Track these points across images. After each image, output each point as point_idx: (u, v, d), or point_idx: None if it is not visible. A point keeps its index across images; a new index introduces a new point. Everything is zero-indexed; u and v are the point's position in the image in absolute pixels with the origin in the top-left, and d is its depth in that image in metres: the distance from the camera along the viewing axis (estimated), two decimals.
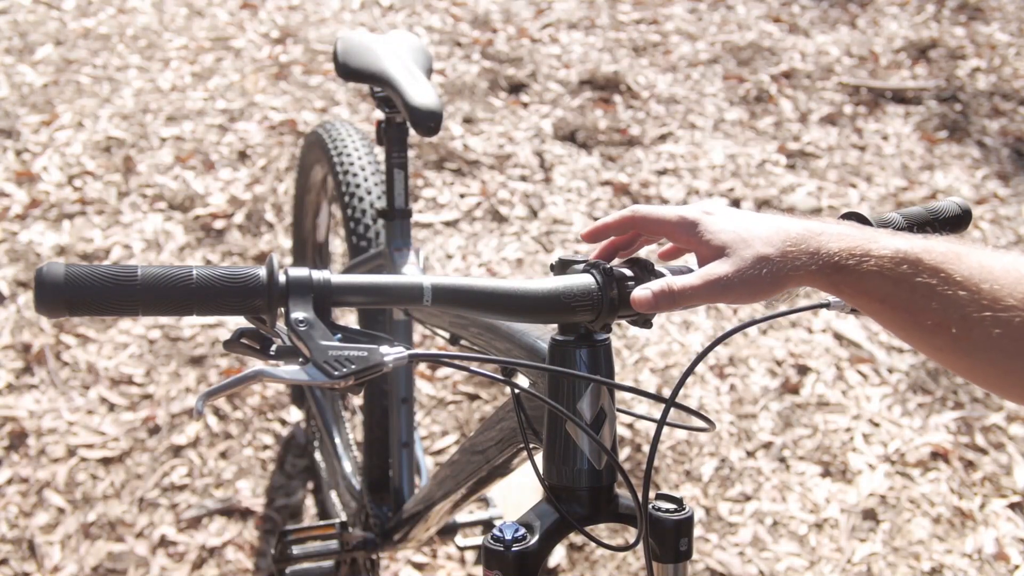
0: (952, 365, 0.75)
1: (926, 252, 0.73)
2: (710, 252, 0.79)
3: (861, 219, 0.94)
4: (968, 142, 3.55)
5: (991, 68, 4.07)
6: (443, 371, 2.38)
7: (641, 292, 0.79)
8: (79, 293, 0.67)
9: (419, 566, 1.96)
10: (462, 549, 1.97)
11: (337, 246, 2.63)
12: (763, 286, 0.77)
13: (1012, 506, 2.13)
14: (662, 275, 0.84)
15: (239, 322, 0.74)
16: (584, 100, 3.58)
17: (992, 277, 0.71)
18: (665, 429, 0.81)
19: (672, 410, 0.81)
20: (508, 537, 0.83)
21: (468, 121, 3.38)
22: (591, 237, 0.87)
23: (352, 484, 1.82)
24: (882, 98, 3.78)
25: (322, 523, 1.48)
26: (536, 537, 0.85)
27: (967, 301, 0.71)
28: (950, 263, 0.72)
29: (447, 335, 1.21)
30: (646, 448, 2.18)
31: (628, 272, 0.83)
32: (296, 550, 1.41)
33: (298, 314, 0.71)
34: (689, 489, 2.14)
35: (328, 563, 1.43)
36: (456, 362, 0.81)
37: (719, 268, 0.78)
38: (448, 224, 2.89)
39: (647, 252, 0.92)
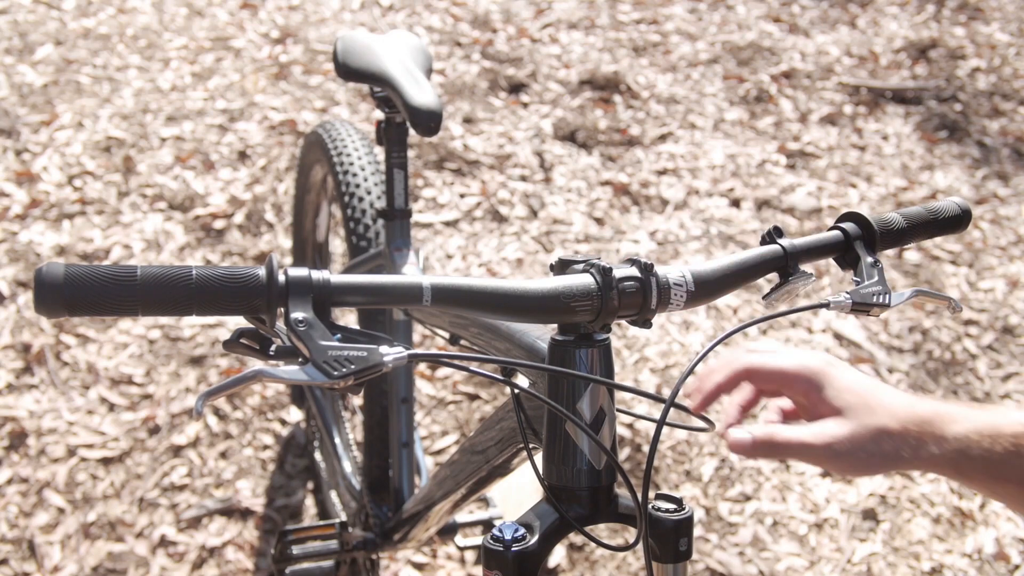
0: None
1: None
2: (827, 410, 0.73)
3: (861, 219, 0.94)
4: (968, 142, 3.55)
5: (991, 68, 4.07)
6: (443, 371, 2.38)
7: (739, 435, 0.74)
8: (79, 293, 0.67)
9: (419, 566, 1.96)
10: (462, 549, 1.97)
11: (337, 246, 2.63)
12: (876, 463, 0.71)
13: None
14: (665, 279, 0.84)
15: (239, 322, 0.74)
16: (584, 100, 3.57)
17: None
18: (665, 429, 0.81)
19: (672, 410, 0.81)
20: (508, 537, 0.83)
21: (468, 121, 3.38)
22: (705, 403, 0.82)
23: (352, 484, 1.82)
24: (882, 98, 3.78)
25: (322, 523, 1.48)
26: (536, 537, 0.84)
27: None
28: None
29: (447, 335, 1.21)
30: (646, 448, 2.18)
31: (629, 272, 0.83)
32: (296, 550, 1.41)
33: (298, 314, 0.71)
34: (689, 489, 2.14)
35: (328, 563, 1.43)
36: (456, 362, 0.81)
37: (834, 429, 0.71)
38: (448, 224, 2.89)
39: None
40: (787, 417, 0.82)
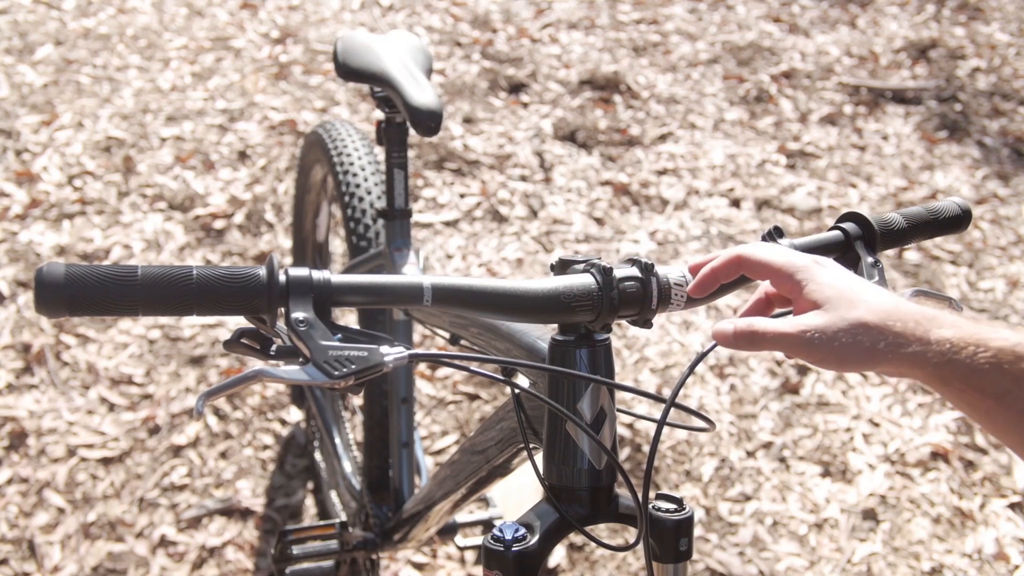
0: None
1: None
2: (808, 304, 0.74)
3: (861, 219, 0.94)
4: (968, 142, 3.55)
5: (991, 68, 4.07)
6: (443, 371, 2.38)
7: (723, 325, 0.75)
8: (79, 293, 0.67)
9: (419, 566, 1.96)
10: (462, 549, 1.97)
11: (337, 246, 2.63)
12: (853, 355, 0.70)
13: (1012, 506, 2.13)
14: (665, 279, 0.84)
15: (239, 322, 0.74)
16: (584, 100, 3.57)
17: None
18: (665, 429, 0.81)
19: (672, 410, 0.81)
20: (508, 537, 0.83)
21: (468, 121, 3.38)
22: (700, 289, 0.82)
23: (352, 484, 1.82)
24: (882, 98, 3.78)
25: (322, 523, 1.48)
26: (536, 537, 0.84)
27: None
28: None
29: (447, 335, 1.21)
30: (646, 448, 2.18)
31: (629, 272, 0.83)
32: (296, 550, 1.41)
33: (298, 314, 0.71)
34: (689, 489, 2.14)
35: (328, 563, 1.43)
36: (456, 362, 0.81)
37: (812, 320, 0.72)
38: (448, 224, 2.89)
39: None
40: (773, 303, 0.84)
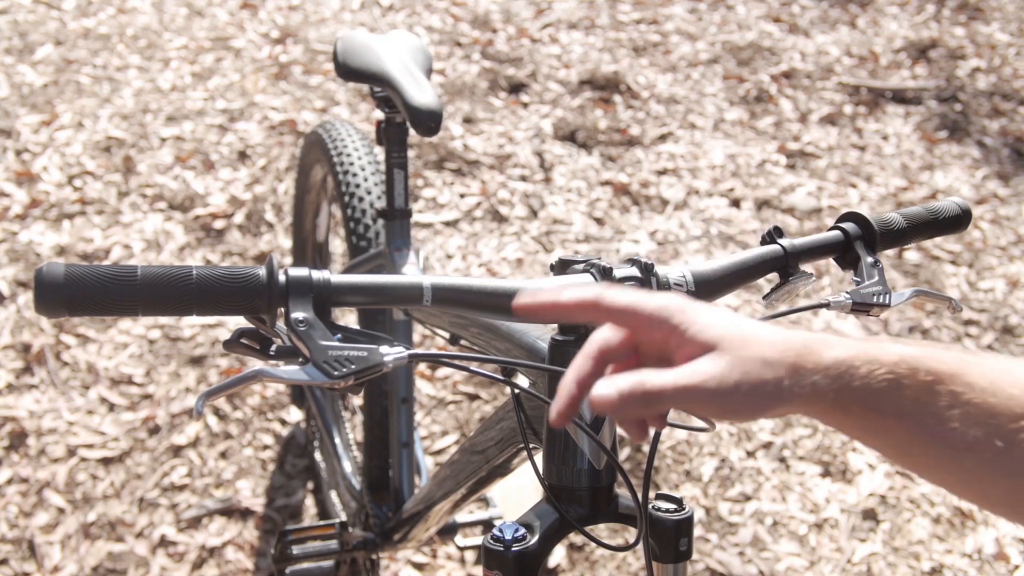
0: (984, 492, 0.62)
1: (938, 360, 0.62)
2: (694, 348, 0.63)
3: (861, 219, 0.94)
4: (968, 142, 3.55)
5: (991, 68, 4.07)
6: (443, 371, 2.38)
7: (603, 389, 0.61)
8: (79, 293, 0.67)
9: (419, 566, 1.96)
10: (462, 549, 1.97)
11: (337, 246, 2.63)
12: (765, 398, 0.61)
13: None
14: (665, 279, 0.84)
15: (239, 322, 0.74)
16: (584, 100, 3.57)
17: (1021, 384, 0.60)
18: (665, 429, 0.81)
19: (672, 410, 0.81)
20: (508, 537, 0.83)
21: (468, 121, 3.38)
22: (527, 312, 0.69)
23: (352, 484, 1.82)
24: (882, 98, 3.78)
25: (322, 523, 1.48)
26: (536, 537, 0.84)
27: (1001, 411, 0.60)
28: (967, 369, 0.62)
29: (447, 335, 1.21)
30: (646, 448, 2.18)
31: (629, 272, 0.83)
32: (296, 550, 1.41)
33: (298, 314, 0.71)
34: (689, 489, 2.14)
35: (328, 563, 1.43)
36: (456, 362, 0.81)
37: (710, 365, 0.62)
38: (448, 224, 2.89)
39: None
40: (605, 361, 0.69)
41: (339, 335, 0.72)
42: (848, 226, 0.93)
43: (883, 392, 0.61)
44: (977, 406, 0.60)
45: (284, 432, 2.24)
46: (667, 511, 0.88)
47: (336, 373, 0.70)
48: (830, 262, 0.96)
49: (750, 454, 2.23)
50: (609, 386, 0.61)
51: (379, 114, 1.53)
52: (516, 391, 0.90)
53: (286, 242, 2.75)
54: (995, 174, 3.38)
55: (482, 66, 3.73)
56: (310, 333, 0.70)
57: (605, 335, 0.68)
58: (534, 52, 3.87)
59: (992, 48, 4.23)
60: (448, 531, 1.68)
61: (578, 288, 0.68)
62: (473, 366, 0.81)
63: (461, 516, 1.70)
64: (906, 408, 0.61)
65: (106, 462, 2.12)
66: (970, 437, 0.60)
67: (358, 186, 1.74)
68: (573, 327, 0.84)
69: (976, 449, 0.60)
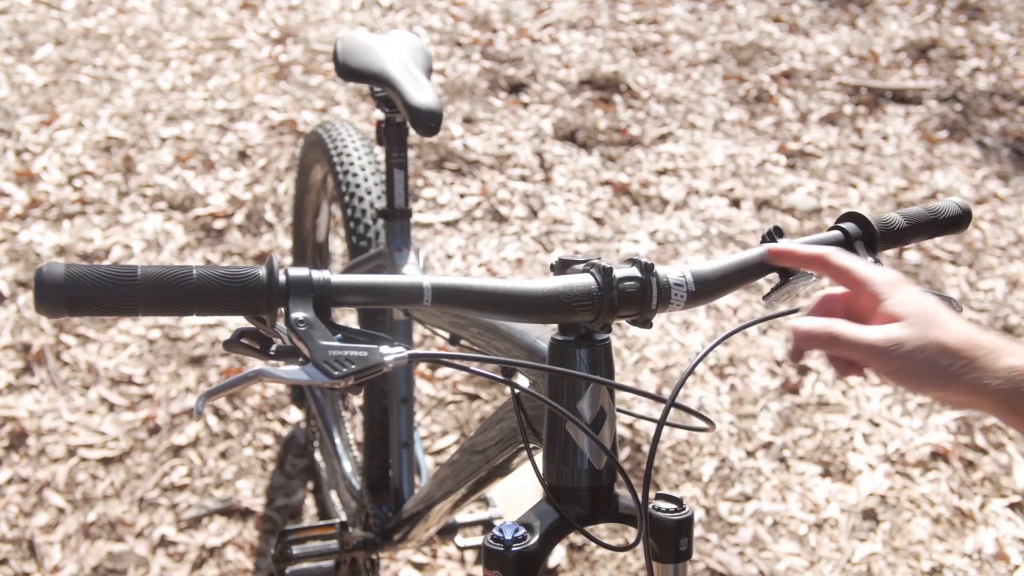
0: None
1: None
2: (887, 317, 0.74)
3: (861, 219, 0.94)
4: (968, 142, 3.55)
5: (991, 68, 4.07)
6: (443, 371, 2.38)
7: (804, 322, 0.75)
8: (79, 293, 0.67)
9: (419, 566, 1.96)
10: (462, 549, 1.97)
11: (337, 246, 2.63)
12: (927, 374, 0.70)
13: (1012, 506, 2.13)
14: (665, 279, 0.84)
15: (239, 322, 0.74)
16: (584, 100, 3.57)
17: None
18: (665, 429, 0.81)
19: (672, 410, 0.81)
20: (508, 537, 0.83)
21: (468, 121, 3.38)
22: (776, 257, 0.85)
23: (352, 484, 1.82)
24: (882, 98, 3.78)
25: (322, 523, 1.48)
26: (536, 537, 0.84)
27: None
28: None
29: (447, 335, 1.21)
30: (646, 448, 2.18)
31: (629, 272, 0.83)
32: (296, 550, 1.41)
33: (298, 314, 0.71)
34: (689, 489, 2.14)
35: (328, 563, 1.43)
36: (456, 362, 0.81)
37: (896, 332, 0.72)
38: (448, 224, 2.89)
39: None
40: (833, 313, 0.83)
41: (339, 335, 0.72)
42: (848, 226, 0.93)
43: None
44: None
45: (284, 432, 2.24)
46: (667, 511, 0.87)
47: (336, 373, 0.70)
48: None
49: (750, 454, 2.23)
50: (809, 321, 0.75)
51: (379, 114, 1.53)
52: (516, 391, 0.90)
53: (286, 242, 2.75)
54: (995, 174, 3.38)
55: (482, 66, 3.73)
56: (310, 333, 0.70)
57: (834, 291, 0.82)
58: (534, 52, 3.87)
59: (992, 48, 4.23)
60: (448, 531, 1.68)
61: (814, 246, 0.82)
62: (473, 366, 0.81)
63: (461, 516, 1.70)
64: None
65: (106, 462, 2.12)
66: None
67: (358, 186, 1.74)
68: (574, 326, 0.84)
69: None
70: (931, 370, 0.70)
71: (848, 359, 0.77)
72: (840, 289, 0.82)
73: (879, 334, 0.72)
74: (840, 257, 0.80)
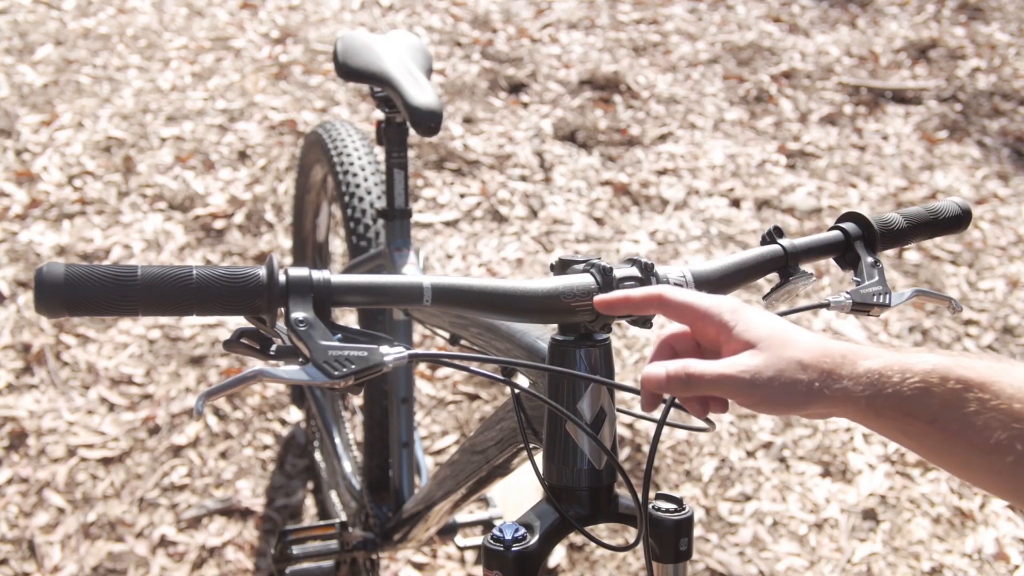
0: (1014, 491, 0.67)
1: (969, 368, 0.67)
2: (739, 345, 0.72)
3: (861, 219, 0.94)
4: (968, 142, 3.55)
5: (991, 68, 4.07)
6: (443, 371, 2.38)
7: (654, 369, 0.73)
8: (79, 293, 0.67)
9: (419, 566, 1.96)
10: (462, 549, 1.97)
11: (337, 246, 2.63)
12: (791, 396, 0.69)
13: (1012, 506, 2.13)
14: (665, 279, 0.84)
15: (239, 322, 0.74)
16: (584, 100, 3.57)
17: None
18: (665, 429, 0.81)
19: (672, 410, 0.81)
20: (508, 537, 0.83)
21: (468, 121, 3.38)
22: (605, 307, 0.79)
23: (352, 484, 1.82)
24: (882, 98, 3.78)
25: (322, 523, 1.48)
26: (536, 537, 0.84)
27: None
28: (997, 377, 0.67)
29: (447, 335, 1.21)
30: (646, 448, 2.18)
31: (629, 272, 0.83)
32: (296, 550, 1.41)
33: (298, 314, 0.71)
34: (689, 489, 2.14)
35: (328, 563, 1.43)
36: (456, 362, 0.81)
37: (750, 360, 0.70)
38: (448, 224, 2.89)
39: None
40: (677, 352, 0.80)
41: (339, 335, 0.72)
42: (848, 226, 0.93)
43: (914, 398, 0.67)
44: (1003, 411, 0.65)
45: (284, 432, 2.24)
46: (667, 511, 0.88)
47: (336, 373, 0.70)
48: (830, 262, 0.96)
49: (750, 454, 2.23)
50: (659, 367, 0.72)
51: (379, 114, 1.53)
52: (516, 391, 0.90)
53: (286, 242, 2.75)
54: (995, 174, 3.38)
55: (482, 66, 3.73)
56: (310, 333, 0.70)
57: (674, 330, 0.79)
58: (534, 52, 3.87)
59: (992, 48, 4.23)
60: (448, 531, 1.68)
61: (646, 287, 0.79)
62: (473, 366, 0.81)
63: (461, 516, 1.70)
64: (936, 413, 0.67)
65: (106, 462, 2.12)
66: (994, 440, 0.65)
67: (358, 186, 1.74)
68: (574, 326, 0.85)
69: (1001, 451, 0.65)
70: (794, 391, 0.69)
71: (704, 397, 0.75)
72: (679, 327, 0.79)
73: (736, 366, 0.70)
74: (676, 293, 0.76)
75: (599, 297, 0.79)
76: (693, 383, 0.71)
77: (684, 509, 0.88)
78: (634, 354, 2.46)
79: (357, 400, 2.07)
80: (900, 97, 3.79)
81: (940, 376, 0.67)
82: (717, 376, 0.70)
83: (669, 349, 0.79)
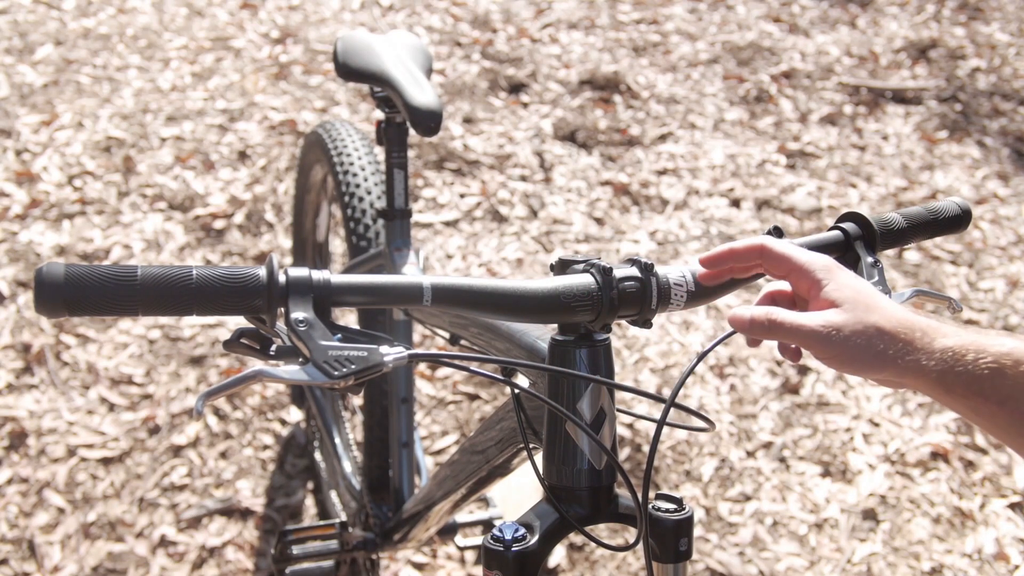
0: None
1: None
2: (825, 303, 0.76)
3: (861, 219, 0.94)
4: (968, 142, 3.55)
5: (991, 68, 4.07)
6: (443, 371, 2.38)
7: (740, 311, 0.77)
8: (79, 293, 0.67)
9: (419, 566, 1.96)
10: (462, 549, 1.97)
11: (337, 246, 2.63)
12: (863, 357, 0.72)
13: (1012, 506, 2.13)
14: (665, 279, 0.84)
15: (239, 322, 0.74)
16: (584, 100, 3.57)
17: None
18: (665, 429, 0.81)
19: (672, 410, 0.81)
20: (508, 537, 0.83)
21: (468, 121, 3.38)
22: (712, 263, 0.82)
23: (352, 484, 1.82)
24: (882, 98, 3.78)
25: (322, 523, 1.48)
26: (536, 537, 0.84)
27: None
28: None
29: (447, 335, 1.21)
30: (646, 448, 2.18)
31: (629, 272, 0.83)
32: (296, 550, 1.41)
33: (298, 314, 0.71)
34: (689, 489, 2.14)
35: (328, 563, 1.43)
36: (456, 362, 0.81)
37: (832, 317, 0.74)
38: (448, 224, 2.89)
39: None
40: (777, 302, 0.84)
41: (339, 335, 0.72)
42: (848, 226, 0.93)
43: (985, 378, 0.69)
44: None
45: (284, 432, 2.24)
46: (667, 511, 0.88)
47: (336, 373, 0.70)
48: None
49: (750, 454, 2.23)
50: (745, 310, 0.77)
51: (379, 114, 1.53)
52: (516, 391, 0.90)
53: (286, 242, 2.75)
54: (995, 174, 3.38)
55: (482, 66, 3.73)
56: (310, 333, 0.70)
57: (777, 286, 0.84)
58: (534, 52, 3.87)
59: (992, 48, 4.23)
60: (448, 531, 1.68)
61: (749, 238, 0.82)
62: (473, 366, 0.81)
63: (461, 516, 1.70)
64: (1007, 394, 0.69)
65: (106, 462, 2.12)
66: None
67: (358, 186, 1.74)
68: (574, 326, 0.84)
69: None
70: (869, 354, 0.72)
71: (782, 344, 0.79)
72: (782, 284, 0.83)
73: (817, 320, 0.74)
74: (777, 245, 0.81)
75: (704, 254, 0.83)
76: (775, 328, 0.75)
77: (684, 509, 0.88)
78: (634, 354, 2.46)
79: (357, 400, 2.07)
80: (900, 97, 3.79)
81: (1015, 359, 0.69)
82: (797, 326, 0.74)
83: (769, 299, 0.84)
